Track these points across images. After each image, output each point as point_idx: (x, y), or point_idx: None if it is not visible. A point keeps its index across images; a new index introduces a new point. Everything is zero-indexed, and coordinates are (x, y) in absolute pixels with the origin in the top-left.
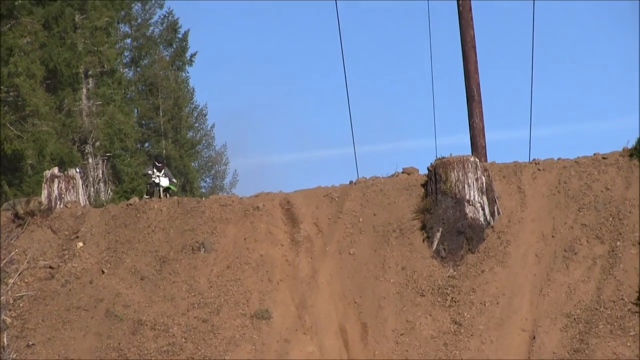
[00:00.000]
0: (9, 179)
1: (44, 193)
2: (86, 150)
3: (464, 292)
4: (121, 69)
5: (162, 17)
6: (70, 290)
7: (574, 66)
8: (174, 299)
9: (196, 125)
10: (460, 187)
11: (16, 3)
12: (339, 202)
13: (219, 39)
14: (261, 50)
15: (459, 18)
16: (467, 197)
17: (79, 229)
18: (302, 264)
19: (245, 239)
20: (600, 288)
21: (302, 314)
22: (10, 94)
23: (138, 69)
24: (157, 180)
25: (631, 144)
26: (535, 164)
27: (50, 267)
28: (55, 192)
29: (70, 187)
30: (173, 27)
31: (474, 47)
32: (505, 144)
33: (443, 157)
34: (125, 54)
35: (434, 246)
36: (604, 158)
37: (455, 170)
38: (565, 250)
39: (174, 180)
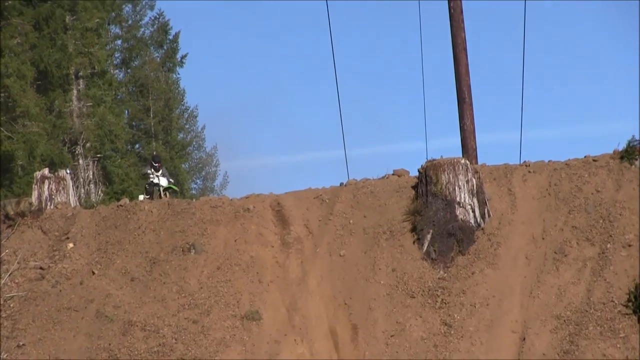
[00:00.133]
0: None
1: (35, 194)
2: (77, 152)
3: (454, 293)
4: (112, 70)
5: (152, 18)
6: (60, 291)
7: (565, 69)
8: (165, 300)
9: (187, 126)
10: (451, 189)
11: (6, 4)
12: (330, 204)
13: (210, 40)
14: (252, 52)
15: (450, 20)
16: (458, 199)
17: (70, 229)
18: (292, 266)
19: (235, 241)
20: (590, 290)
21: (293, 315)
22: (1, 95)
23: (129, 71)
24: (155, 180)
25: (622, 146)
26: (526, 166)
27: (41, 268)
28: (46, 193)
29: (60, 188)
30: (164, 28)
31: (465, 49)
32: (496, 146)
33: (434, 159)
34: (116, 55)
35: (425, 248)
36: (594, 160)
37: (446, 172)
38: (555, 252)
39: (171, 180)
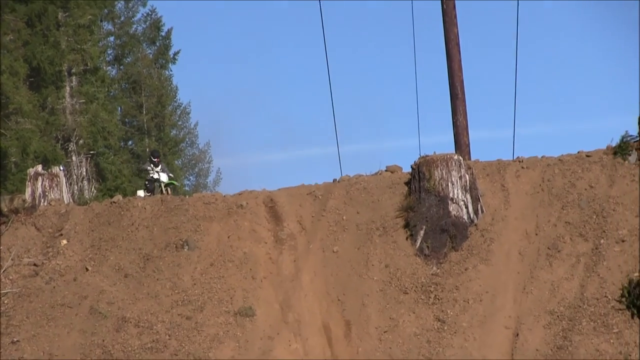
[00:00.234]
0: None
1: (28, 191)
2: (70, 148)
3: (447, 289)
4: (104, 67)
5: (145, 15)
6: (54, 287)
7: (558, 65)
8: (158, 297)
9: (179, 123)
10: (444, 185)
11: None
12: (323, 200)
13: (202, 37)
14: (244, 48)
15: (443, 16)
16: (451, 195)
17: (63, 226)
18: (285, 262)
19: (228, 237)
20: (584, 286)
21: (286, 311)
22: None
23: (121, 67)
24: (155, 176)
25: (615, 142)
26: (519, 162)
27: (35, 265)
28: (39, 189)
29: (54, 184)
30: (156, 25)
31: (458, 44)
32: (489, 142)
33: (427, 155)
34: (109, 52)
35: (418, 244)
36: (587, 156)
37: (439, 169)
38: (548, 248)
39: (171, 174)
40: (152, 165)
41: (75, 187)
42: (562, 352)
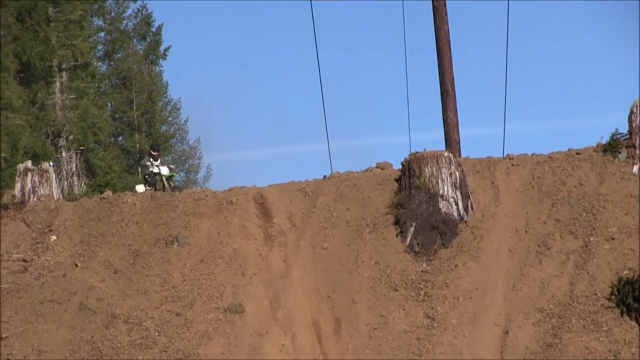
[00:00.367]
0: None
1: (18, 186)
2: (60, 144)
3: (437, 286)
4: (95, 63)
5: (135, 10)
6: (43, 283)
7: (549, 62)
8: (148, 293)
9: (170, 119)
10: (434, 182)
11: None
12: (313, 197)
13: (193, 33)
14: (235, 44)
15: (434, 13)
16: (441, 192)
17: (53, 222)
18: (275, 259)
19: (218, 233)
20: (574, 283)
21: (276, 308)
22: None
23: (112, 63)
24: (155, 170)
25: (605, 139)
26: (509, 159)
27: (24, 260)
28: (29, 185)
29: (43, 180)
30: (147, 20)
31: (449, 42)
32: (479, 139)
33: (417, 152)
34: (99, 47)
35: (408, 241)
36: (577, 154)
37: (429, 165)
38: (538, 246)
39: (172, 166)
40: (151, 160)
41: (65, 182)
42: (551, 349)
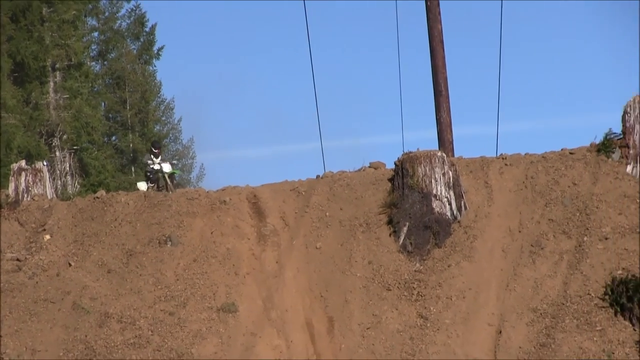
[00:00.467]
0: None
1: (11, 186)
2: (53, 144)
3: (430, 286)
4: (88, 63)
5: (129, 10)
6: (37, 282)
7: (542, 62)
8: (141, 292)
9: (163, 119)
10: (427, 181)
11: None
12: (306, 196)
13: (186, 32)
14: (228, 44)
15: (427, 12)
16: (434, 191)
17: (46, 221)
18: (268, 258)
19: (212, 233)
20: (567, 283)
21: (269, 307)
22: None
23: (105, 63)
24: (156, 167)
25: (599, 139)
26: (503, 159)
27: (18, 260)
28: (23, 185)
29: (37, 180)
30: (140, 20)
31: (442, 41)
32: (472, 139)
33: (410, 152)
34: (93, 47)
35: (401, 240)
36: (571, 153)
37: (422, 165)
38: (532, 245)
39: (174, 162)
40: (152, 157)
41: (59, 182)
42: (545, 349)
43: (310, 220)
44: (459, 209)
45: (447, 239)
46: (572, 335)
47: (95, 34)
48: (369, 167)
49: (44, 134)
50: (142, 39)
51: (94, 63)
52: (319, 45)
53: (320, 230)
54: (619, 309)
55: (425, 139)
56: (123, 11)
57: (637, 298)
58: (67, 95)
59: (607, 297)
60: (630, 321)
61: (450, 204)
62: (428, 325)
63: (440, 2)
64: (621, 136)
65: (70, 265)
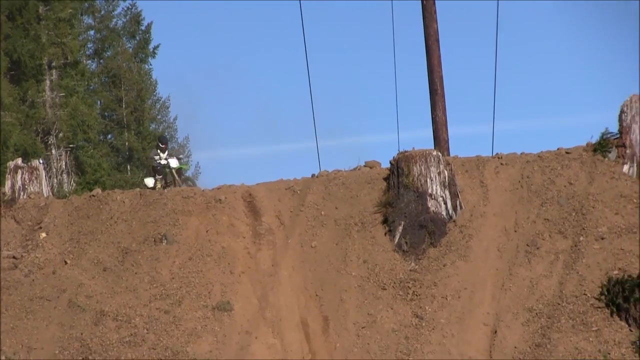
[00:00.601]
0: None
1: (8, 184)
2: (49, 142)
3: (425, 285)
4: (84, 61)
5: (125, 9)
6: (33, 280)
7: (538, 61)
8: (136, 290)
9: (159, 117)
10: (423, 181)
11: None
12: (301, 195)
13: (182, 31)
14: (224, 42)
15: (423, 11)
16: (430, 191)
17: (42, 219)
18: (263, 257)
19: (207, 231)
20: (563, 283)
21: (264, 306)
22: None
23: (101, 61)
24: (163, 162)
25: (595, 138)
26: (498, 158)
27: (14, 257)
28: (19, 182)
29: (33, 178)
30: (136, 19)
31: (438, 40)
32: (468, 138)
33: (405, 151)
34: (89, 45)
35: (396, 240)
36: (567, 153)
37: (418, 164)
38: (527, 245)
39: (181, 156)
40: (159, 153)
41: (55, 180)
42: (540, 349)
43: (306, 219)
44: (455, 208)
45: (442, 238)
46: (568, 336)
47: (92, 32)
48: (365, 166)
49: (40, 132)
50: (138, 38)
51: (90, 61)
52: (314, 44)
53: (316, 229)
54: (615, 310)
55: (420, 138)
56: (119, 10)
57: (633, 298)
58: (63, 94)
59: (603, 297)
60: (627, 322)
61: (445, 203)
62: (423, 324)
63: (436, 1)
64: (618, 136)
65: (66, 263)
